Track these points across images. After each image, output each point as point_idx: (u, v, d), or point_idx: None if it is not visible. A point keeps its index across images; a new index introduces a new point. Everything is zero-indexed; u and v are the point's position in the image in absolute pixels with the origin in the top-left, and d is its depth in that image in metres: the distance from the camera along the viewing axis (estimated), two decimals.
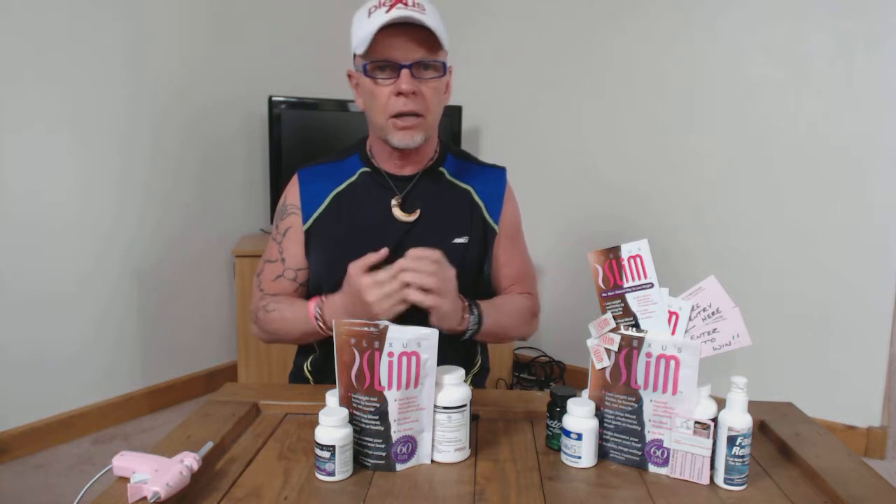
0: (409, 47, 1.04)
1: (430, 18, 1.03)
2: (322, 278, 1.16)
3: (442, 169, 1.21)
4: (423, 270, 0.96)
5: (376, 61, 1.06)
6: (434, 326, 0.86)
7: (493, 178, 1.25)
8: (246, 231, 2.75)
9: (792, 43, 2.23)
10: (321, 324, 1.07)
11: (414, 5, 1.03)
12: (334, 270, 1.12)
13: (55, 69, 2.11)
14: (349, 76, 1.16)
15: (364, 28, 1.04)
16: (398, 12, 1.01)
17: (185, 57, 2.47)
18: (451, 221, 1.18)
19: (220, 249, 2.65)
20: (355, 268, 0.99)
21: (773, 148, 2.30)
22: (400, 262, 0.96)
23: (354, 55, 1.10)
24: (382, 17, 1.01)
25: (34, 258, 2.11)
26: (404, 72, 1.05)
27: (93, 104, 2.21)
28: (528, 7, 2.77)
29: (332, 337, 0.93)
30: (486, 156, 2.78)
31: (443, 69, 1.09)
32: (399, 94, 1.05)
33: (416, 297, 0.96)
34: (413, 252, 0.98)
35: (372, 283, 0.96)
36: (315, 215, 1.18)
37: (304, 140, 2.54)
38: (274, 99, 2.50)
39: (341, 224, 1.16)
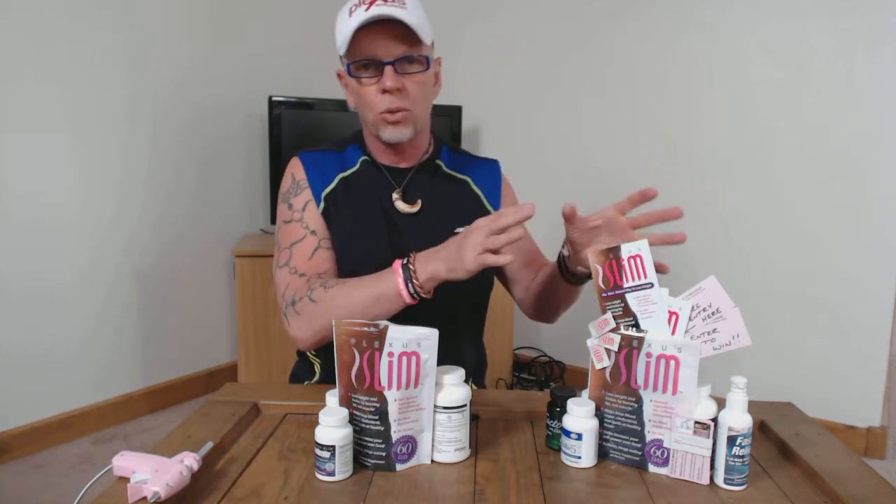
0: (389, 44, 1.04)
1: (409, 13, 1.02)
2: None
3: (439, 161, 1.21)
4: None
5: (359, 60, 1.06)
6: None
7: (489, 168, 1.27)
8: (246, 231, 2.75)
9: (792, 43, 2.23)
10: (411, 263, 0.95)
11: (394, 1, 1.02)
12: (339, 256, 1.12)
13: (55, 69, 2.11)
14: (339, 76, 1.16)
15: (344, 28, 1.03)
16: (376, 10, 1.00)
17: (185, 57, 2.47)
18: (453, 211, 1.18)
19: (220, 249, 2.65)
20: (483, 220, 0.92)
21: (773, 148, 2.30)
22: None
23: (340, 56, 1.10)
24: (362, 16, 1.01)
25: (34, 258, 2.11)
26: (387, 69, 1.04)
27: (93, 104, 2.21)
28: (528, 7, 2.77)
29: (414, 303, 0.95)
30: (486, 155, 2.79)
31: (426, 62, 1.08)
32: (384, 91, 1.05)
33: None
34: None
35: (486, 227, 0.90)
36: (324, 193, 1.14)
37: (304, 140, 2.54)
38: (274, 99, 2.50)
39: (349, 209, 1.14)
